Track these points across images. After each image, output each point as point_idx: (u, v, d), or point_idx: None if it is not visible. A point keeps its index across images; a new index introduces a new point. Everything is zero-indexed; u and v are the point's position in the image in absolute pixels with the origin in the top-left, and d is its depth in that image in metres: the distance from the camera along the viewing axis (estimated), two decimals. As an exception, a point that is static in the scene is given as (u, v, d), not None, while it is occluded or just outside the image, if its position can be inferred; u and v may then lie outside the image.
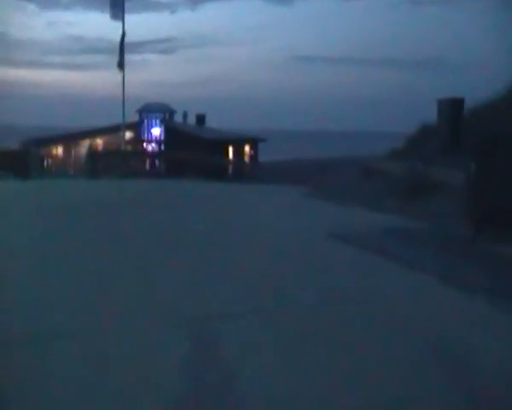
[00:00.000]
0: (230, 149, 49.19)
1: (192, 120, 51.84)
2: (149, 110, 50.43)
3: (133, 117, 51.82)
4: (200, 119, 51.82)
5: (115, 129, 50.29)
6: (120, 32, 19.66)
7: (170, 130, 49.50)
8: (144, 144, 50.50)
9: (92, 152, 40.45)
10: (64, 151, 47.65)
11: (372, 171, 18.50)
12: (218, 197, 16.68)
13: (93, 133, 49.51)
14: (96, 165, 25.52)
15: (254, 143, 52.18)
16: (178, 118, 51.78)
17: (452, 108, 15.43)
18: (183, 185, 20.86)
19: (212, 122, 52.84)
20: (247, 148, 51.65)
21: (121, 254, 8.86)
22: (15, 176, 22.21)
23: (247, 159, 50.65)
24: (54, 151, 47.10)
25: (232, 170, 41.48)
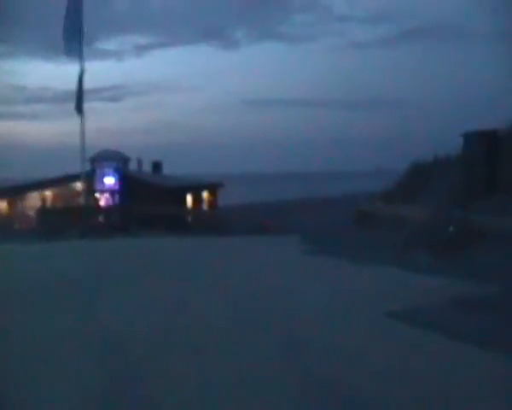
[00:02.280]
0: (189, 197, 47.09)
1: (147, 167, 49.44)
2: (102, 158, 47.61)
3: (84, 166, 49.05)
4: (157, 166, 49.52)
5: (64, 180, 47.41)
6: (76, 77, 17.33)
7: (125, 178, 46.84)
8: (97, 195, 47.46)
9: (43, 209, 36.65)
10: (9, 207, 44.09)
11: (370, 215, 16.41)
12: (197, 263, 13.36)
13: (41, 185, 46.23)
14: (49, 224, 22.17)
15: (213, 189, 50.35)
16: (133, 165, 49.27)
17: (486, 142, 13.34)
18: (148, 247, 17.69)
19: (168, 169, 50.52)
20: (205, 194, 49.70)
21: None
22: None
23: (206, 205, 48.61)
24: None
25: (196, 220, 38.92)
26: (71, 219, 23.78)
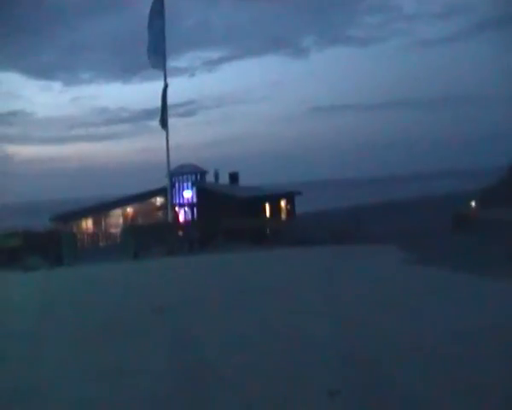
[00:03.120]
0: (267, 206, 46.92)
1: (224, 179, 49.58)
2: (180, 173, 48.21)
3: (162, 182, 49.87)
4: (234, 177, 49.53)
5: (145, 196, 48.30)
6: (159, 93, 17.40)
7: (202, 191, 47.20)
8: (176, 209, 48.06)
9: (130, 227, 36.63)
10: (94, 224, 45.30)
11: (468, 219, 15.43)
12: (298, 283, 11.90)
13: (123, 202, 47.26)
14: (136, 242, 22.05)
15: (291, 198, 49.91)
16: (210, 178, 49.57)
17: None
18: (239, 263, 16.85)
19: (244, 180, 50.50)
20: (283, 203, 49.37)
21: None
22: (45, 263, 18.98)
23: (284, 214, 48.25)
24: (83, 225, 44.74)
25: (277, 230, 38.33)
26: (156, 236, 23.71)
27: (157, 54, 18.84)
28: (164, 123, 19.96)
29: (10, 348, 7.56)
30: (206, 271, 14.21)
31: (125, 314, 9.11)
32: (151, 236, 23.31)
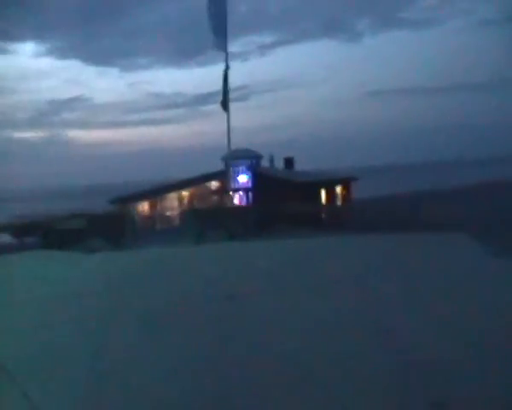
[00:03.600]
0: (323, 192, 46.31)
1: (279, 163, 49.07)
2: (235, 157, 47.97)
3: (217, 165, 49.75)
4: (289, 162, 48.96)
5: (200, 180, 48.34)
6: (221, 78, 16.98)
7: (258, 176, 46.86)
8: (231, 193, 47.95)
9: (192, 211, 36.32)
10: (150, 207, 45.69)
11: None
12: (380, 273, 10.99)
13: (179, 186, 47.46)
14: (198, 226, 21.61)
15: (347, 183, 49.13)
16: (264, 163, 49.18)
17: None
18: (306, 250, 15.97)
19: (299, 165, 49.91)
20: (339, 188, 48.67)
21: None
22: (107, 245, 18.94)
23: (340, 200, 47.55)
24: (140, 208, 45.19)
25: (337, 216, 37.69)
26: (217, 220, 23.38)
27: (219, 35, 18.48)
28: (225, 105, 19.55)
29: (79, 332, 7.39)
30: (271, 256, 13.75)
31: (195, 300, 8.77)
32: (213, 220, 22.99)
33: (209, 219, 23.29)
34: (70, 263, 14.26)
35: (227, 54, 19.74)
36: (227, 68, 19.67)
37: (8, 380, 5.64)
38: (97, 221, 23.53)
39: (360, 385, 5.37)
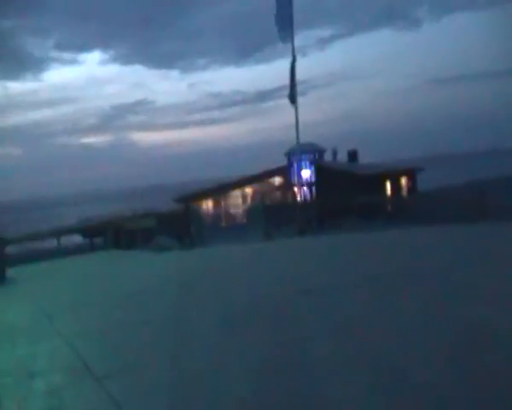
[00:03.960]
0: (388, 184, 45.49)
1: (342, 156, 48.50)
2: (298, 151, 47.67)
3: (280, 161, 49.59)
4: (353, 155, 48.31)
5: (263, 176, 48.33)
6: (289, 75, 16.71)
7: (321, 170, 46.45)
8: (295, 188, 47.72)
9: (260, 206, 35.58)
10: (214, 205, 46.06)
11: None
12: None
13: (242, 183, 47.65)
14: (266, 221, 21.11)
15: (412, 174, 48.04)
16: (327, 156, 48.73)
17: None
18: (388, 244, 14.75)
19: (363, 157, 49.19)
20: (404, 180, 47.68)
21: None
22: (176, 243, 18.98)
23: (405, 192, 46.54)
24: (204, 206, 45.63)
25: (404, 208, 36.70)
26: (285, 215, 23.03)
27: (285, 27, 18.34)
28: (293, 99, 19.35)
29: (156, 331, 7.36)
30: (344, 251, 13.41)
31: (272, 297, 8.58)
32: (281, 215, 22.70)
33: (277, 215, 22.88)
34: (141, 262, 14.44)
35: (293, 46, 19.51)
36: (294, 61, 19.41)
37: (90, 381, 5.63)
38: (166, 220, 23.69)
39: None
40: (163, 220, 23.53)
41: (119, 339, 7.07)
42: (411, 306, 7.38)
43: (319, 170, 45.85)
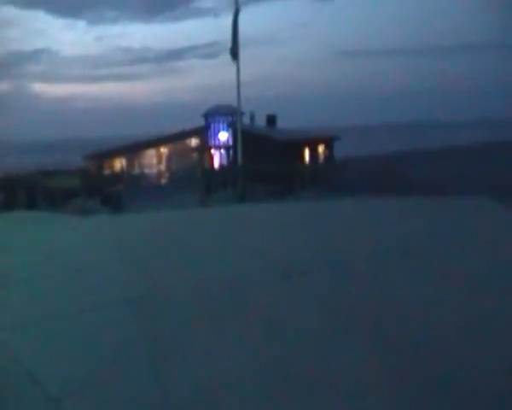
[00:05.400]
0: (307, 151, 45.48)
1: (260, 121, 47.69)
2: (216, 113, 46.45)
3: (195, 122, 48.13)
4: (271, 120, 47.59)
5: (180, 136, 46.70)
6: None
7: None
8: (212, 151, 46.61)
9: (208, 169, 32.65)
10: (128, 164, 44.00)
11: None
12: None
13: (158, 142, 45.81)
14: (203, 185, 19.26)
15: (329, 143, 48.32)
16: (245, 120, 47.81)
17: None
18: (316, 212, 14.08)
19: (281, 123, 48.67)
20: (321, 148, 47.86)
21: None
22: (103, 207, 17.26)
23: (322, 159, 46.75)
24: (117, 165, 43.50)
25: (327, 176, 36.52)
26: (224, 180, 21.60)
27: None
28: (235, 54, 18.08)
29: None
30: (304, 223, 12.46)
31: (245, 278, 7.50)
32: (219, 179, 21.35)
33: (215, 178, 21.35)
34: (69, 228, 12.88)
35: (237, -4, 18.19)
36: (237, 13, 18.10)
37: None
38: (93, 180, 21.79)
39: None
40: (90, 180, 21.60)
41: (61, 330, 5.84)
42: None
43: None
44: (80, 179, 20.02)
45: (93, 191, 18.30)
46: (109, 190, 18.00)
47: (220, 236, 10.94)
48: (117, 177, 22.23)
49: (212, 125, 46.54)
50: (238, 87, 17.28)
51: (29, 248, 10.79)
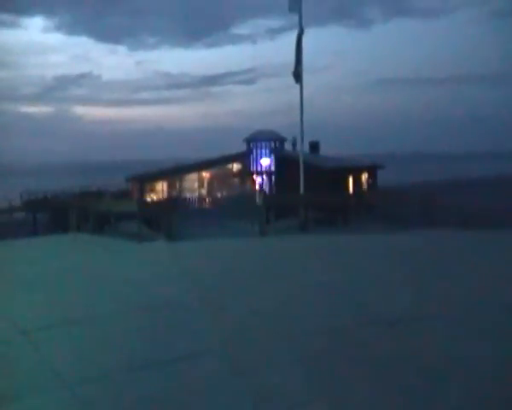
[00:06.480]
0: (350, 179, 44.53)
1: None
2: (258, 139, 45.88)
3: (237, 147, 47.62)
4: (314, 146, 46.74)
5: (222, 161, 46.15)
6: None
7: (282, 159, 44.87)
8: (254, 176, 45.94)
9: (265, 196, 30.60)
10: (169, 187, 43.52)
11: None
12: None
13: (199, 166, 45.33)
14: (263, 214, 17.88)
15: (373, 170, 47.29)
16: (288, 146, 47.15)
17: None
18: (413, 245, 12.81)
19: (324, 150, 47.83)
20: (365, 176, 46.85)
21: None
22: (157, 233, 16.34)
23: (365, 187, 45.70)
24: (159, 188, 43.05)
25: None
26: (286, 208, 20.30)
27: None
28: (297, 76, 17.38)
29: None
30: (384, 257, 11.51)
31: (340, 325, 6.66)
32: (281, 207, 20.24)
33: (276, 206, 19.97)
34: (130, 255, 12.18)
35: (301, 16, 17.63)
36: (301, 33, 17.46)
37: None
38: (147, 206, 20.87)
39: None
40: (145, 206, 20.72)
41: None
42: None
43: (280, 159, 44.25)
44: (135, 204, 19.32)
45: (145, 216, 17.56)
46: (160, 215, 17.22)
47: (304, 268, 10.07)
48: (168, 202, 21.37)
49: (254, 151, 46.02)
50: (301, 109, 16.55)
51: (113, 278, 9.69)
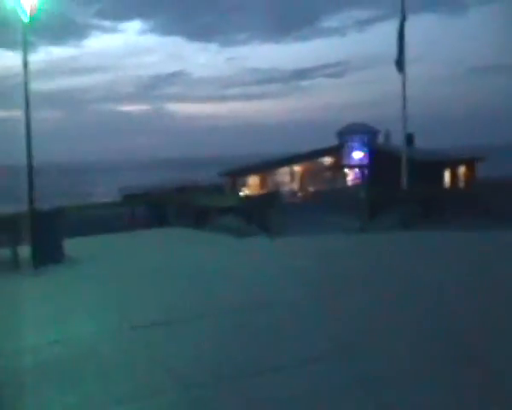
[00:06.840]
0: (447, 173, 42.86)
1: (395, 140, 45.68)
2: (351, 132, 45.14)
3: (328, 141, 47.11)
4: (409, 139, 45.23)
5: (314, 155, 45.85)
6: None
7: (376, 152, 43.84)
8: (346, 170, 45.33)
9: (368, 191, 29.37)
10: (261, 182, 43.74)
11: None
12: None
13: (290, 161, 45.26)
14: (364, 209, 17.43)
15: (472, 164, 45.33)
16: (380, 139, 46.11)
17: None
18: None
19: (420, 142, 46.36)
20: (462, 169, 44.96)
21: None
22: (258, 229, 16.25)
23: (463, 182, 43.84)
24: (251, 182, 43.39)
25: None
26: (386, 202, 19.55)
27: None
28: (400, 66, 16.79)
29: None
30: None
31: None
32: (380, 201, 19.63)
33: (377, 201, 19.29)
34: (233, 249, 12.22)
35: (403, 2, 17.04)
36: (403, 20, 16.86)
37: None
38: (248, 201, 20.92)
39: None
40: (248, 200, 20.74)
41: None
42: None
43: (374, 153, 43.31)
44: (238, 200, 19.39)
45: (246, 211, 17.55)
46: (262, 209, 17.10)
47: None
48: (268, 196, 21.16)
49: (346, 144, 45.34)
50: (404, 101, 15.94)
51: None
